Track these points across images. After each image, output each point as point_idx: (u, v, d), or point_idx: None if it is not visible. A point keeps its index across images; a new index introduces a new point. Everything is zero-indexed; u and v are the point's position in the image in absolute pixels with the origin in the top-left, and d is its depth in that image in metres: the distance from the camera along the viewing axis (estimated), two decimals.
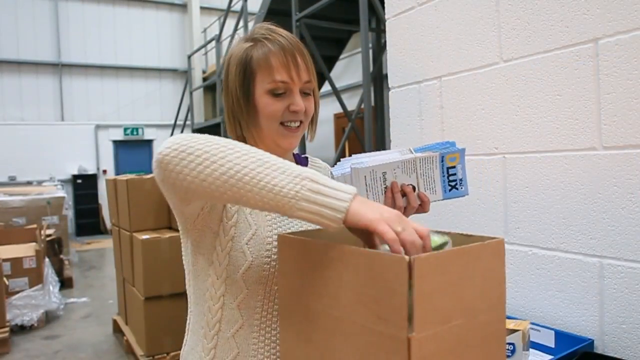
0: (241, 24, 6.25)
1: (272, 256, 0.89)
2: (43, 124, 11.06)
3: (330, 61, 6.32)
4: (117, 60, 11.77)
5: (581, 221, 1.34)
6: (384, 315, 0.60)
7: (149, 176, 3.67)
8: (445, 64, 1.73)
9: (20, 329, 4.25)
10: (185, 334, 1.00)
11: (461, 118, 1.68)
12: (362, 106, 4.08)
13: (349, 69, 7.43)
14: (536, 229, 1.46)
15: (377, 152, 0.97)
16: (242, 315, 0.89)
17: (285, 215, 0.70)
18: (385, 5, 1.98)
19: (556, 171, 1.39)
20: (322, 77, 4.92)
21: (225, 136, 0.90)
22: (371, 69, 4.60)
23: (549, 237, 1.42)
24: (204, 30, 11.95)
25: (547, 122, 1.41)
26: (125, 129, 11.85)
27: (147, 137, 12.08)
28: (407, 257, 0.57)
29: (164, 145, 0.73)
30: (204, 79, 11.34)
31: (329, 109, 7.74)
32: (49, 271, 4.76)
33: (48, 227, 6.04)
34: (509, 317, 1.32)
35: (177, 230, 3.61)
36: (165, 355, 3.30)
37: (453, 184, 0.98)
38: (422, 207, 0.97)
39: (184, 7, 12.36)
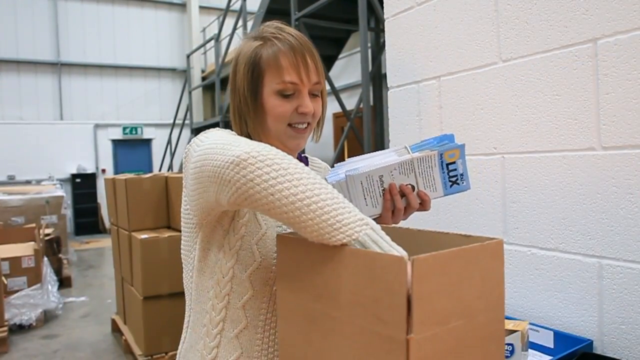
0: (240, 23, 6.25)
1: None
2: (42, 123, 11.04)
3: (329, 61, 6.32)
4: (116, 59, 11.76)
5: (580, 221, 1.34)
6: (383, 316, 0.60)
7: (147, 176, 3.66)
8: (444, 63, 1.72)
9: (19, 328, 4.24)
10: (184, 331, 0.99)
11: (460, 118, 1.67)
12: (361, 106, 4.08)
13: (347, 69, 7.42)
14: (535, 229, 1.46)
15: (373, 153, 0.95)
16: (247, 316, 0.89)
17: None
18: (384, 5, 1.98)
19: (555, 171, 1.39)
20: None
21: None
22: (370, 68, 4.60)
23: (548, 237, 1.42)
24: (203, 30, 11.95)
25: (546, 122, 1.41)
26: (124, 129, 11.83)
27: (146, 136, 12.07)
28: (405, 258, 0.57)
29: (242, 148, 0.71)
30: (203, 79, 11.33)
31: (328, 109, 7.72)
32: (47, 270, 4.75)
33: (47, 227, 6.03)
34: (507, 318, 1.32)
35: (176, 230, 3.61)
36: (164, 354, 3.29)
37: (454, 179, 0.96)
38: (423, 206, 0.96)
39: (183, 6, 12.35)
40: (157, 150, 11.78)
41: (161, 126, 11.91)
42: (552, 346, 1.37)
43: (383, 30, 2.01)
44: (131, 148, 12.00)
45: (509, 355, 1.17)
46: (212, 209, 0.84)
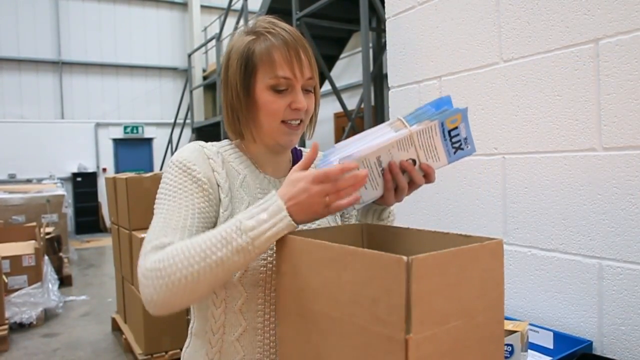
0: (241, 22, 6.25)
1: (269, 258, 0.88)
2: (43, 122, 11.05)
3: (331, 60, 6.32)
4: (117, 58, 11.77)
5: (580, 222, 1.34)
6: (382, 316, 0.59)
7: (148, 175, 3.66)
8: (445, 63, 1.72)
9: (19, 327, 4.24)
10: (188, 336, 1.00)
11: None
12: (362, 105, 4.08)
13: (349, 69, 7.43)
14: (535, 229, 1.45)
15: (366, 132, 0.86)
16: (245, 319, 0.89)
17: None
18: (386, 4, 1.97)
19: (556, 172, 1.39)
20: (322, 77, 4.91)
21: (225, 133, 0.90)
22: (371, 68, 4.60)
23: (548, 238, 1.42)
24: (205, 29, 11.95)
25: (547, 122, 1.40)
26: (125, 128, 11.84)
27: (147, 135, 12.08)
28: (405, 258, 0.57)
29: (142, 284, 0.79)
30: (204, 78, 11.34)
31: (329, 108, 7.73)
32: (48, 269, 4.75)
33: (47, 225, 6.04)
34: (507, 318, 1.32)
35: None
36: (163, 354, 3.29)
37: (457, 145, 0.87)
38: (427, 179, 0.89)
39: (184, 5, 12.35)
40: (158, 149, 11.79)
41: (162, 125, 11.92)
42: (551, 347, 1.37)
43: (384, 30, 2.01)
44: (132, 147, 12.00)
45: (509, 355, 1.16)
46: None
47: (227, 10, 7.29)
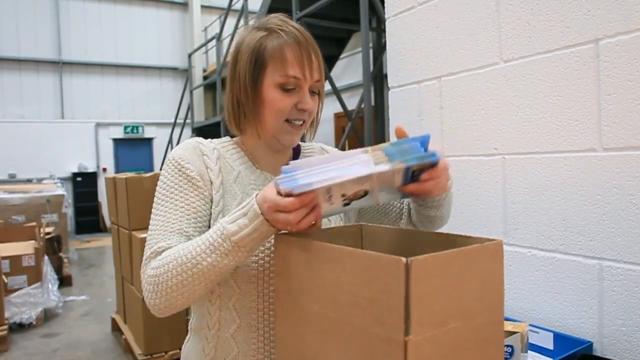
0: (242, 22, 6.25)
1: (260, 254, 0.88)
2: (43, 122, 11.05)
3: (331, 61, 6.32)
4: (117, 58, 11.77)
5: (581, 223, 1.33)
6: (381, 318, 0.59)
7: (148, 175, 3.66)
8: (445, 63, 1.72)
9: (19, 327, 4.24)
10: (188, 332, 1.01)
11: (461, 118, 1.67)
12: (362, 106, 4.07)
13: (349, 69, 7.43)
14: (535, 230, 1.45)
15: (337, 156, 0.74)
16: (239, 316, 0.90)
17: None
18: (385, 4, 1.97)
19: (556, 172, 1.39)
20: None
21: (225, 132, 0.90)
22: (371, 68, 4.59)
23: (548, 238, 1.42)
24: (205, 29, 11.95)
25: (547, 122, 1.40)
26: (125, 127, 11.84)
27: (147, 135, 12.07)
28: (404, 259, 0.56)
29: (145, 290, 0.84)
30: (205, 78, 11.34)
31: (329, 109, 7.73)
32: (48, 269, 4.75)
33: (47, 225, 6.03)
34: (507, 319, 1.32)
35: None
36: (163, 354, 3.29)
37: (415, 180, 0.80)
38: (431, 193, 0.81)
39: (184, 5, 12.35)
40: (158, 149, 11.79)
41: (162, 125, 11.91)
42: (551, 348, 1.37)
43: (385, 30, 2.00)
44: (132, 147, 12.00)
45: (509, 356, 1.16)
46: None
47: (228, 10, 7.29)
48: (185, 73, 11.22)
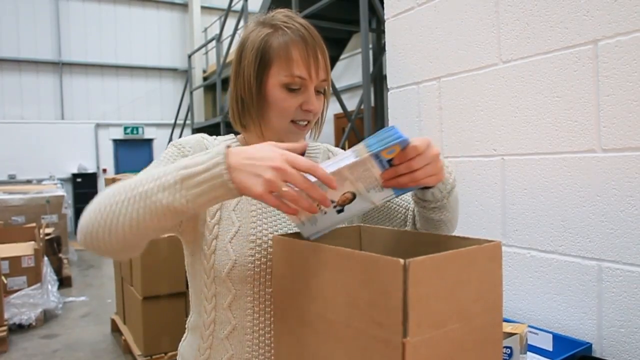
0: (242, 23, 6.25)
1: (256, 255, 0.86)
2: (43, 123, 11.05)
3: (331, 61, 6.28)
4: (117, 59, 11.77)
5: (580, 224, 1.33)
6: (379, 319, 0.59)
7: None
8: (444, 64, 1.72)
9: (19, 328, 4.24)
10: (186, 331, 1.00)
11: (460, 119, 1.67)
12: (362, 107, 4.08)
13: (349, 70, 7.43)
14: (534, 231, 1.45)
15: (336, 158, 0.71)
16: (234, 317, 0.88)
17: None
18: (385, 5, 1.97)
19: (555, 173, 1.39)
20: None
21: (225, 133, 0.89)
22: (371, 69, 4.60)
23: (547, 239, 1.42)
24: (205, 30, 11.95)
25: (546, 123, 1.40)
26: (125, 128, 11.84)
27: (147, 136, 12.08)
28: (402, 261, 0.56)
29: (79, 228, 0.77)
30: (205, 79, 11.34)
31: (329, 109, 7.72)
32: (47, 270, 4.75)
33: (47, 226, 6.04)
34: (506, 320, 1.32)
35: None
36: (163, 355, 3.29)
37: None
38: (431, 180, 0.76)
39: (184, 6, 12.36)
40: (158, 150, 11.79)
41: (162, 126, 11.92)
42: (550, 349, 1.37)
43: (384, 32, 2.00)
44: (132, 148, 12.00)
45: (508, 358, 1.16)
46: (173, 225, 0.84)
47: (227, 11, 7.29)
48: (185, 74, 11.22)
